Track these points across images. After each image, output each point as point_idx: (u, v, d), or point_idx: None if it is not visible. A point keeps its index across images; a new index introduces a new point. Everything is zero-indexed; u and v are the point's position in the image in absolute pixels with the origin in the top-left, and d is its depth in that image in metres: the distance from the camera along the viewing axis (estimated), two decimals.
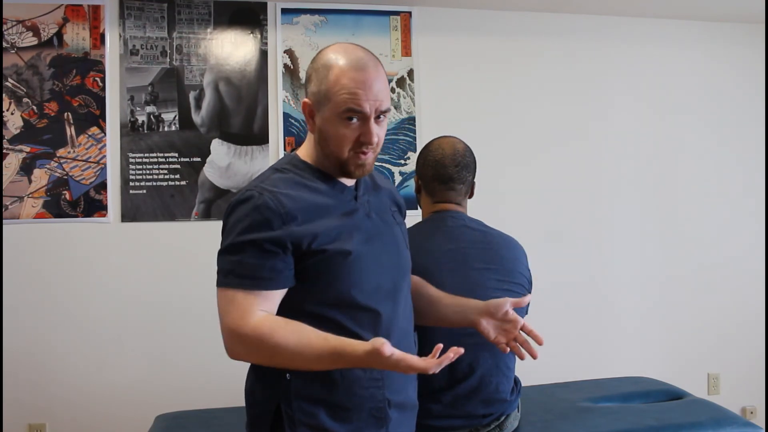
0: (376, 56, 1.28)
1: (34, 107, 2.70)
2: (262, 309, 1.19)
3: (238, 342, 1.18)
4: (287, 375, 1.23)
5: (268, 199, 1.20)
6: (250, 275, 1.19)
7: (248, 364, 1.35)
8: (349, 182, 1.34)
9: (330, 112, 1.23)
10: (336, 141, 1.24)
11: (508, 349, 1.46)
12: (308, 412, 1.23)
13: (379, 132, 1.25)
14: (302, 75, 2.91)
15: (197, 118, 2.82)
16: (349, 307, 1.25)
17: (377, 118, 1.24)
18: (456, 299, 1.50)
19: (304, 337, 1.16)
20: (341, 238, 1.24)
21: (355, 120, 1.22)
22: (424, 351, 1.45)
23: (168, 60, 2.81)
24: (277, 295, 1.21)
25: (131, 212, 2.76)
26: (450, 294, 1.53)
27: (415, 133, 3.00)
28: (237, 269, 1.20)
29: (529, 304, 1.80)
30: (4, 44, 2.67)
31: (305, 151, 1.33)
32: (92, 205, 2.73)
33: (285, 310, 1.22)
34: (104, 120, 2.74)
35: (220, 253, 1.24)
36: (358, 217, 1.30)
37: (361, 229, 1.29)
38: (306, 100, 1.28)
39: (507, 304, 1.43)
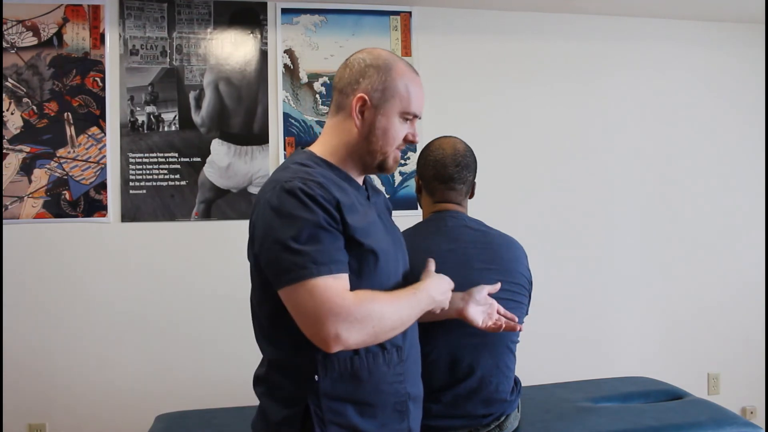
0: None
1: (34, 107, 2.70)
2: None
3: (347, 321, 1.14)
4: (315, 376, 1.23)
5: (315, 187, 1.20)
6: (334, 260, 1.17)
7: (252, 364, 1.36)
8: (361, 183, 1.37)
9: (394, 108, 1.30)
10: (390, 137, 1.31)
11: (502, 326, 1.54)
12: (337, 411, 1.24)
13: None
14: (302, 75, 2.91)
15: (197, 118, 2.83)
16: None
17: None
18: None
19: (391, 294, 1.25)
20: (371, 234, 1.26)
21: (408, 120, 1.33)
22: (424, 350, 1.47)
23: (168, 60, 2.81)
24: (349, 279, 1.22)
25: (131, 212, 2.76)
26: None
27: None
28: (318, 257, 1.16)
29: (529, 304, 1.81)
30: (4, 44, 2.67)
31: (323, 149, 1.33)
32: (92, 205, 2.73)
33: None
34: (104, 120, 2.74)
35: (289, 247, 1.16)
36: (374, 216, 1.34)
37: (379, 227, 1.32)
38: (362, 94, 1.29)
39: (484, 290, 1.53)
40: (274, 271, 1.18)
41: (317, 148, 1.34)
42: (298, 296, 1.16)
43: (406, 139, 1.33)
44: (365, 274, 1.24)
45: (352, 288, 1.20)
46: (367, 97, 1.29)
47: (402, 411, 1.30)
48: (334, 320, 1.14)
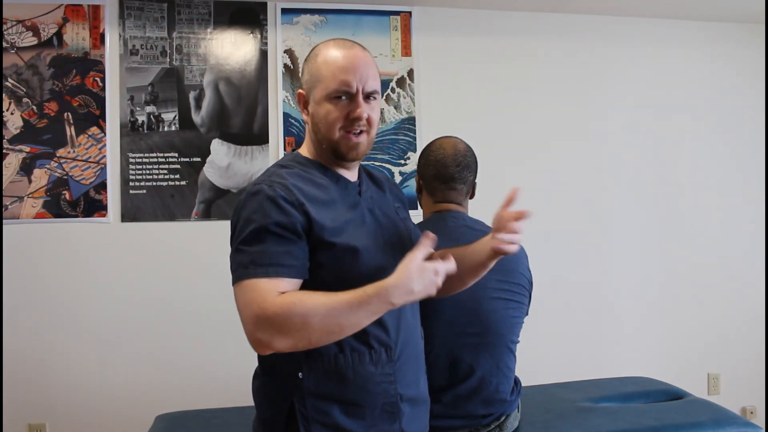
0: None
1: (34, 107, 2.69)
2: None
3: (265, 325, 1.12)
4: (299, 374, 1.23)
5: (278, 189, 1.21)
6: (273, 263, 1.16)
7: (253, 364, 1.35)
8: (352, 177, 1.35)
9: (320, 92, 1.27)
10: (326, 121, 1.27)
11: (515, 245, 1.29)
12: (322, 410, 1.23)
13: (370, 112, 1.28)
14: None
15: (197, 118, 2.82)
16: None
17: (366, 98, 1.28)
18: (469, 246, 1.41)
19: (330, 295, 1.14)
20: (347, 232, 1.24)
21: (343, 98, 1.26)
22: (424, 349, 1.46)
23: (168, 60, 2.81)
24: (298, 285, 1.20)
25: (131, 212, 2.76)
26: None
27: (415, 133, 3.00)
28: (258, 259, 1.16)
29: (529, 304, 1.81)
30: (4, 44, 2.67)
31: (306, 148, 1.36)
32: (92, 205, 2.73)
33: None
34: (104, 120, 2.74)
35: (237, 248, 1.20)
36: (362, 212, 1.31)
37: (366, 223, 1.30)
38: (300, 90, 1.32)
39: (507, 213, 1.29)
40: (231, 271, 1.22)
41: (302, 149, 1.37)
42: (236, 296, 1.18)
43: (347, 118, 1.26)
44: (342, 271, 1.22)
45: (328, 287, 1.18)
46: (303, 92, 1.32)
47: (393, 412, 1.27)
48: (253, 323, 1.13)
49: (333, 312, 1.13)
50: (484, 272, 1.39)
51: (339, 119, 1.26)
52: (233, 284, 1.19)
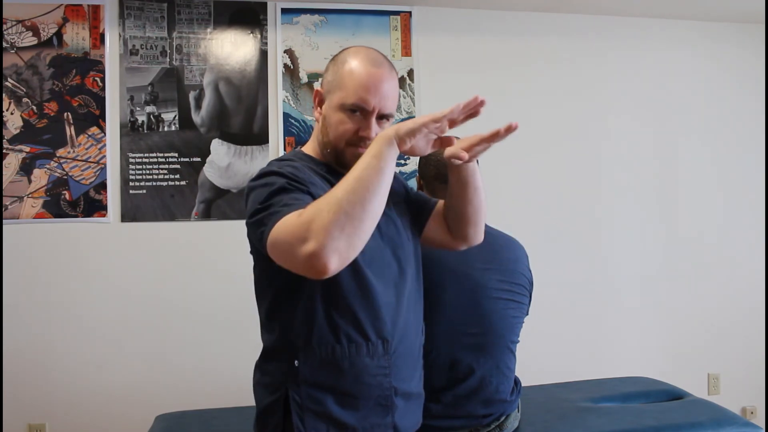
0: (393, 65, 1.33)
1: (34, 107, 2.69)
2: None
3: (307, 232, 1.05)
4: (295, 362, 1.24)
5: (285, 166, 1.24)
6: (292, 202, 1.14)
7: (252, 364, 1.36)
8: None
9: (337, 99, 1.27)
10: (336, 129, 1.28)
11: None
12: (316, 399, 1.24)
13: (378, 131, 1.26)
14: (302, 75, 2.91)
15: (197, 118, 2.82)
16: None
17: (380, 118, 1.27)
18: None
19: (346, 175, 1.12)
20: None
21: (358, 113, 1.26)
22: (424, 349, 1.46)
23: (168, 60, 2.81)
24: None
25: (131, 212, 2.76)
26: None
27: None
28: (277, 206, 1.14)
29: (529, 304, 1.81)
30: (4, 44, 2.67)
31: (310, 147, 1.38)
32: (92, 205, 2.73)
33: (293, 290, 1.24)
34: (104, 120, 2.74)
35: (257, 210, 1.17)
36: None
37: None
38: (319, 88, 1.33)
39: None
40: (254, 240, 1.20)
41: (305, 147, 1.39)
42: (273, 247, 1.12)
43: (356, 133, 1.26)
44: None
45: (324, 281, 1.15)
46: (321, 90, 1.32)
47: (386, 405, 1.28)
48: (298, 240, 1.06)
49: (357, 179, 1.09)
50: (472, 182, 1.41)
51: (348, 132, 1.27)
52: (265, 243, 1.13)
